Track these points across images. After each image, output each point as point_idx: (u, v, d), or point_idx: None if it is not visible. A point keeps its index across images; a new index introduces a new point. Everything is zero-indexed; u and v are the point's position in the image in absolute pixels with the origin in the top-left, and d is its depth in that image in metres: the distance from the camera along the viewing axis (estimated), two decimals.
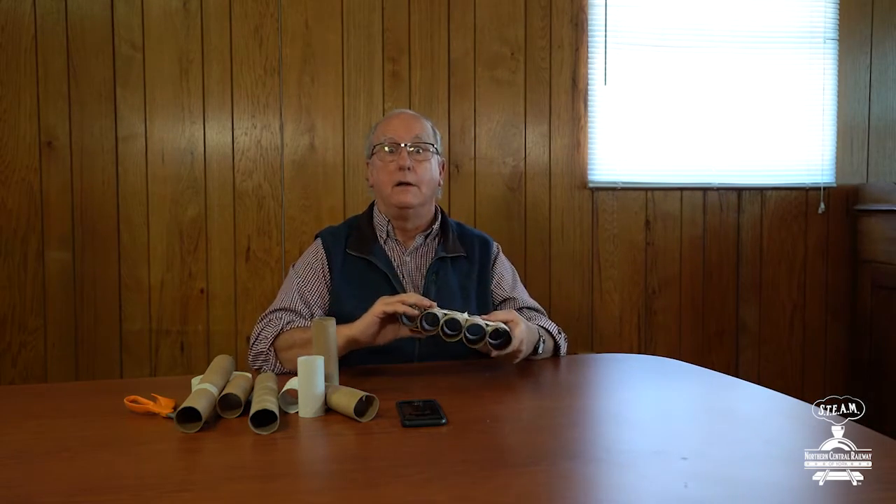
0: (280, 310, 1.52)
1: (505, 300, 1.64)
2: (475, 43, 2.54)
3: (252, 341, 1.50)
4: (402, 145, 1.54)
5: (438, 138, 1.65)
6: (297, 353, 1.35)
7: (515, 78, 2.56)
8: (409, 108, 2.48)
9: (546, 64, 2.58)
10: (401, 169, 1.53)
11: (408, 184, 1.53)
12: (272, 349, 1.46)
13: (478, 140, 2.56)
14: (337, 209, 2.46)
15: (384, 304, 1.32)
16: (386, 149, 1.56)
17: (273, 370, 1.45)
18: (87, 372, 2.37)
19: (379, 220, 1.61)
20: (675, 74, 2.64)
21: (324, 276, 1.56)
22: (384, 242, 1.60)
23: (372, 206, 1.67)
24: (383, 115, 2.48)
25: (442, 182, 1.65)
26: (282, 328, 1.47)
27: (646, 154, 2.64)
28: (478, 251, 1.63)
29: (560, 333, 1.58)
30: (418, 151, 1.56)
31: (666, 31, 2.63)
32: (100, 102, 2.35)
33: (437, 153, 1.62)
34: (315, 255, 1.59)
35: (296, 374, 1.35)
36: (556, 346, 1.56)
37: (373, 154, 1.60)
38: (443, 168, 1.65)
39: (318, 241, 1.62)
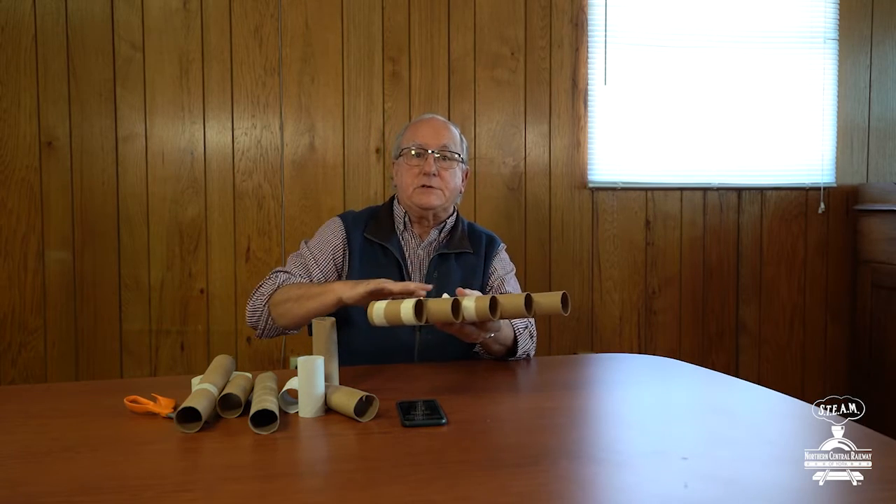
0: (281, 271, 1.57)
1: (491, 288, 1.64)
2: (475, 43, 2.54)
3: (249, 299, 1.54)
4: (430, 151, 1.58)
5: (465, 147, 1.69)
6: (290, 308, 1.41)
7: (515, 78, 2.56)
8: (410, 109, 2.49)
9: (546, 64, 2.58)
10: (425, 174, 1.57)
11: (430, 186, 1.57)
12: (267, 306, 1.49)
13: (478, 140, 2.56)
14: (337, 209, 2.46)
15: (375, 284, 1.28)
16: (413, 153, 1.59)
17: (265, 327, 1.49)
18: (87, 372, 2.37)
19: (398, 211, 1.66)
20: (675, 74, 2.64)
21: (334, 253, 1.59)
22: (401, 234, 1.63)
23: (393, 197, 1.71)
24: (383, 115, 2.48)
25: (463, 189, 1.68)
26: (279, 285, 1.51)
27: (646, 154, 2.64)
28: (484, 247, 1.66)
29: (525, 329, 1.53)
30: (444, 159, 1.60)
31: (666, 31, 2.63)
32: (100, 102, 2.35)
33: (463, 162, 1.66)
34: (334, 233, 1.62)
35: (289, 330, 1.50)
36: (515, 339, 1.50)
37: (400, 155, 1.64)
38: (466, 176, 1.69)
39: (339, 220, 1.64)
